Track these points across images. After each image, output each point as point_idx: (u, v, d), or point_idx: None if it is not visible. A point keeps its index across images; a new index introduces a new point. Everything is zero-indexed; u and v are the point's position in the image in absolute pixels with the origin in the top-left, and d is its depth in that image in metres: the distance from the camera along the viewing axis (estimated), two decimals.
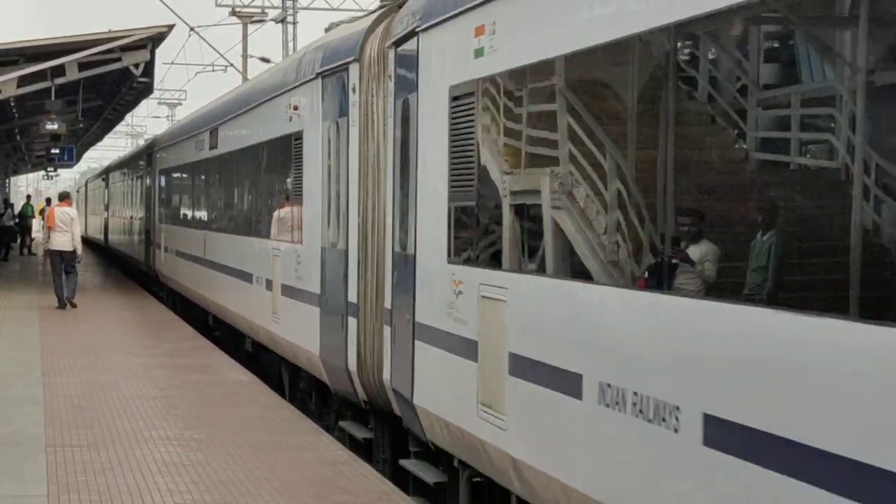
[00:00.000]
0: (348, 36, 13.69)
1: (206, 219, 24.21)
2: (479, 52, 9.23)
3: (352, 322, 12.84)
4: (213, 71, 61.25)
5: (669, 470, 6.30)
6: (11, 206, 52.35)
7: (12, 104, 32.25)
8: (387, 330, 11.68)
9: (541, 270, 8.10)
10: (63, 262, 25.80)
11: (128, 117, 64.36)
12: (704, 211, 6.32)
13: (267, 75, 19.69)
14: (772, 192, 5.68)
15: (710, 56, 6.20)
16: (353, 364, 12.74)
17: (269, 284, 17.01)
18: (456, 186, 9.77)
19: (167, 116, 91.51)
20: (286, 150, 16.22)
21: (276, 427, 13.06)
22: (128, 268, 41.89)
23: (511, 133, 8.67)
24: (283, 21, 43.95)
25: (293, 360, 15.91)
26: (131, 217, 40.40)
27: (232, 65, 47.33)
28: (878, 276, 4.86)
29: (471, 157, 9.41)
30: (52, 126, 31.44)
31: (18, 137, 47.73)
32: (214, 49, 43.92)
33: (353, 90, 13.02)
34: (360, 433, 13.19)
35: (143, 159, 37.19)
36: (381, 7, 13.82)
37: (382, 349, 11.88)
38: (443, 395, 10.03)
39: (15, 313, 24.98)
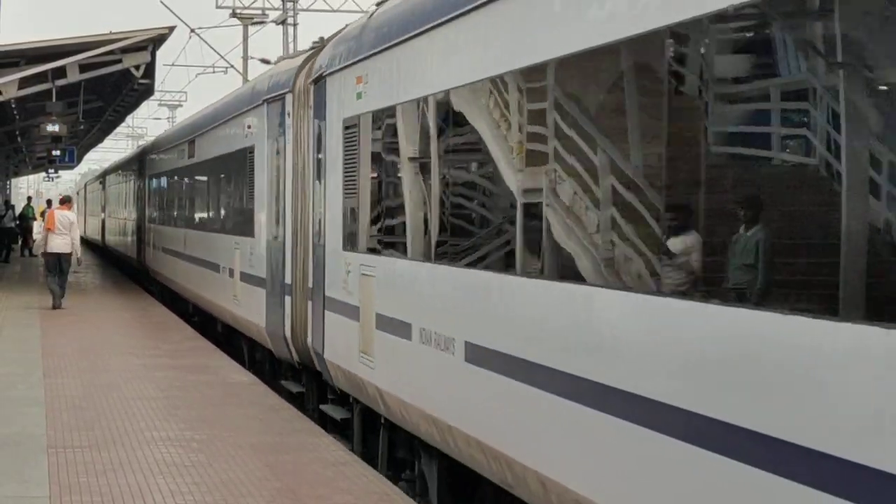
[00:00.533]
0: (286, 71, 17.18)
1: (184, 219, 27.47)
2: (359, 95, 12.63)
3: (287, 299, 16.13)
4: (214, 72, 61.25)
5: (452, 377, 9.70)
6: (12, 207, 52.38)
7: (13, 106, 32.28)
8: (309, 304, 14.98)
9: (392, 254, 11.44)
10: (59, 265, 26.07)
11: (128, 119, 64.35)
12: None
13: (232, 97, 22.85)
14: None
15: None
16: (288, 332, 16.15)
17: (231, 273, 20.54)
18: (347, 192, 13.04)
19: (168, 118, 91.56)
20: (243, 161, 19.67)
21: (277, 428, 13.08)
22: (123, 265, 45.45)
23: (376, 154, 11.99)
24: (283, 23, 43.96)
25: (248, 335, 19.57)
26: (125, 218, 43.88)
27: (232, 66, 47.36)
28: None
29: (355, 170, 12.76)
30: (52, 128, 31.46)
31: (19, 139, 47.75)
32: (215, 51, 43.97)
33: (288, 115, 16.45)
34: (295, 388, 16.61)
35: (136, 165, 40.68)
36: (310, 48, 17.46)
37: (307, 319, 15.15)
38: (340, 349, 13.27)
39: (16, 314, 25.00)
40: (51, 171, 75.81)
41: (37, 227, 55.60)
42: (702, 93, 6.05)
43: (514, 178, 8.47)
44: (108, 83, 31.27)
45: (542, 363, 7.92)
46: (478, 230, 9.31)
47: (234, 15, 45.44)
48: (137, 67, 26.92)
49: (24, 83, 26.17)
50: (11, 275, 39.04)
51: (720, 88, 5.92)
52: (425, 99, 10.39)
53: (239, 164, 20.16)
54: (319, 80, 14.51)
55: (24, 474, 10.65)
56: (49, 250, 26.20)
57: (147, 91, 34.68)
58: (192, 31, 43.72)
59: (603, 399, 7.00)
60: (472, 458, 9.42)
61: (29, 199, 61.82)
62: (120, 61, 26.65)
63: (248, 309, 18.82)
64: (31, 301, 28.03)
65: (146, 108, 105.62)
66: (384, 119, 11.67)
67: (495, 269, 8.82)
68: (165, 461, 11.27)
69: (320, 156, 14.40)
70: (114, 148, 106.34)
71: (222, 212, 22.12)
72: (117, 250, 47.56)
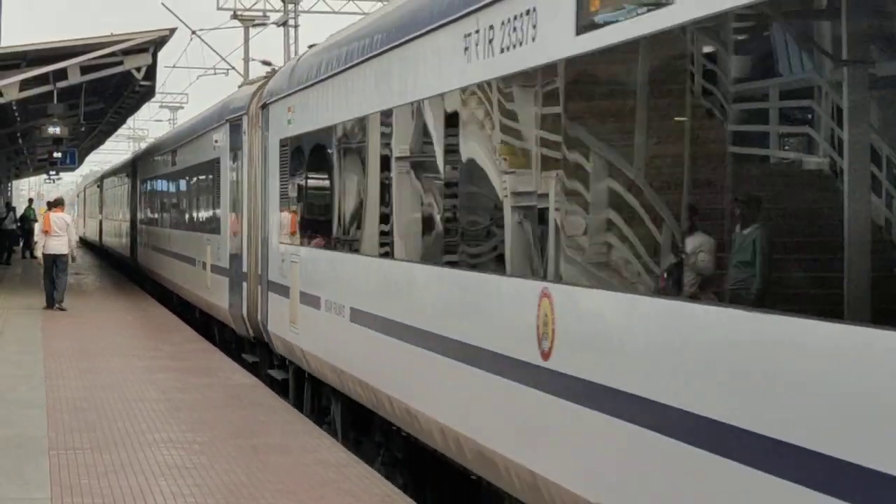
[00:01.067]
0: (244, 96, 20.74)
1: (168, 220, 31.10)
2: (289, 121, 16.19)
3: (244, 285, 19.41)
4: (215, 74, 61.29)
5: (345, 334, 13.03)
6: (13, 209, 52.39)
7: (14, 108, 32.28)
8: (260, 288, 18.21)
9: (309, 245, 15.01)
10: (56, 266, 26.37)
11: (130, 121, 64.37)
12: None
13: (204, 115, 26.36)
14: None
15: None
16: (245, 312, 19.35)
17: (204, 265, 23.98)
18: (282, 197, 16.51)
19: (169, 120, 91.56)
20: (212, 170, 23.32)
21: (278, 430, 13.08)
22: (119, 264, 48.88)
23: (298, 168, 15.64)
24: (284, 24, 43.97)
25: (217, 317, 22.87)
26: (120, 219, 47.72)
27: (234, 68, 47.42)
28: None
29: (286, 180, 16.28)
30: (54, 129, 31.48)
31: (20, 141, 47.75)
32: (216, 52, 43.97)
33: (244, 133, 19.81)
34: (251, 359, 19.94)
35: (129, 170, 44.70)
36: (264, 76, 21.85)
37: (258, 300, 18.32)
38: (278, 322, 16.70)
39: (17, 316, 25.00)
40: (52, 172, 75.83)
41: (37, 229, 55.73)
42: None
43: (376, 189, 11.96)
44: (109, 85, 31.27)
45: (395, 319, 11.23)
46: (354, 227, 13.01)
47: (235, 17, 45.47)
48: (139, 69, 26.92)
49: (25, 85, 26.17)
50: (12, 276, 39.05)
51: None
52: (327, 128, 14.07)
53: (209, 173, 23.89)
54: (265, 106, 18.03)
55: (26, 476, 10.65)
56: (46, 252, 26.61)
57: (148, 93, 34.71)
58: (194, 32, 43.78)
59: (433, 343, 10.16)
60: (360, 395, 12.76)
61: (31, 200, 61.83)
62: (121, 63, 26.64)
63: (216, 295, 22.16)
64: (33, 303, 28.02)
65: (147, 110, 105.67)
66: (304, 141, 15.33)
67: (367, 254, 12.27)
68: (167, 463, 11.27)
69: (265, 168, 18.00)
70: (115, 150, 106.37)
71: (197, 213, 25.74)
72: (114, 249, 50.95)
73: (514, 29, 8.41)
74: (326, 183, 14.11)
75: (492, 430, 8.83)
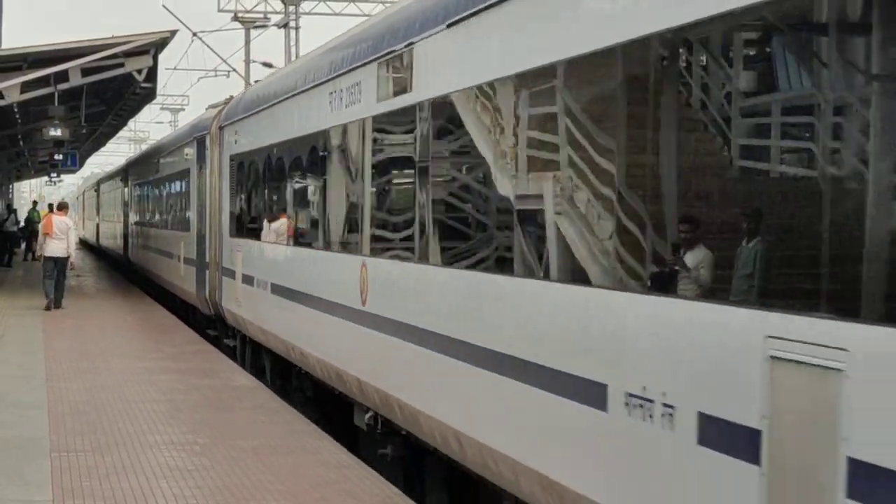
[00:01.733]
0: (209, 117, 24.81)
1: (153, 220, 35.44)
2: (236, 142, 20.72)
3: (207, 273, 23.54)
4: (216, 76, 61.34)
5: (268, 303, 17.34)
6: (14, 211, 52.39)
7: (15, 110, 32.27)
8: (217, 274, 22.42)
9: (246, 238, 19.42)
10: (56, 268, 26.87)
11: (131, 123, 64.42)
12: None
13: (180, 131, 32.18)
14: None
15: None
16: (207, 294, 23.50)
17: (179, 258, 28.04)
18: (231, 201, 21.02)
19: (170, 122, 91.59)
20: (185, 178, 27.54)
21: (279, 431, 13.08)
22: (113, 261, 53.46)
23: (242, 179, 20.00)
24: (285, 26, 43.98)
25: (189, 301, 26.65)
26: (115, 221, 52.38)
27: (234, 70, 47.41)
28: None
29: (233, 188, 20.76)
30: (55, 132, 31.46)
31: (21, 143, 47.74)
32: (217, 54, 44.05)
33: (207, 149, 23.92)
34: (213, 332, 23.88)
35: (122, 176, 49.22)
36: (226, 101, 25.04)
37: (216, 284, 22.49)
38: (228, 299, 21.15)
39: (19, 318, 25.01)
40: (53, 175, 75.81)
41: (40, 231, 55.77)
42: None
43: (285, 196, 16.69)
44: (110, 87, 31.26)
45: (293, 288, 15.85)
46: (256, 227, 18.66)
47: (236, 18, 45.47)
48: (140, 71, 26.91)
49: (26, 87, 26.16)
50: (13, 278, 39.06)
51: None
52: (257, 149, 18.60)
53: (183, 181, 28.09)
54: (222, 129, 22.52)
55: (27, 478, 10.65)
56: (47, 254, 27.00)
57: (149, 95, 34.69)
58: (195, 34, 43.77)
59: (311, 302, 14.81)
60: (282, 350, 16.87)
61: (35, 203, 61.94)
62: (122, 65, 26.63)
63: (188, 283, 26.17)
64: (33, 304, 28.03)
65: (148, 112, 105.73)
66: (244, 158, 19.85)
67: (278, 243, 17.10)
68: (168, 465, 11.27)
69: (220, 178, 22.54)
70: (116, 152, 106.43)
71: (174, 215, 30.01)
72: (109, 249, 55.36)
73: (352, 93, 13.08)
74: (256, 190, 19.04)
75: (339, 355, 13.54)
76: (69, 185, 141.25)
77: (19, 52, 25.69)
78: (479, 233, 9.61)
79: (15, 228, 49.63)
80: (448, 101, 10.08)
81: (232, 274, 20.67)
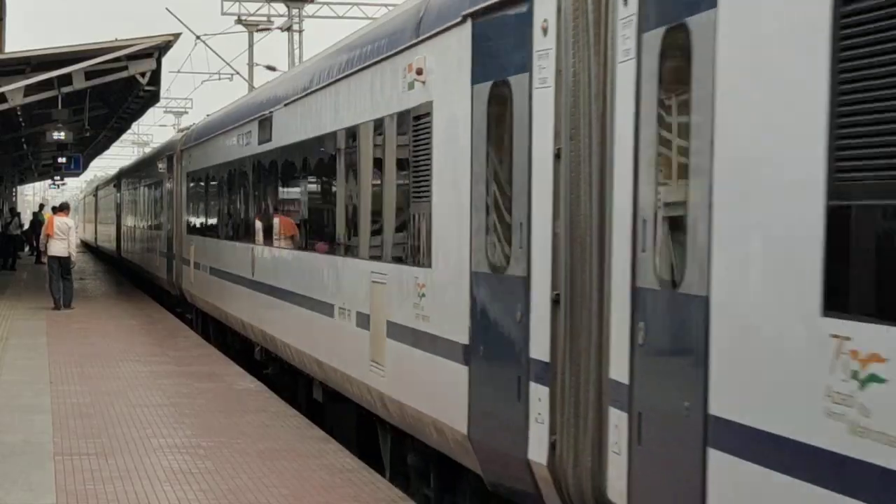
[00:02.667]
0: (177, 139, 31.20)
1: (139, 222, 40.68)
2: (189, 162, 27.25)
3: (174, 262, 29.36)
4: (220, 79, 61.38)
5: (207, 282, 24.17)
6: (18, 214, 52.43)
7: (19, 113, 32.27)
8: (182, 263, 27.97)
9: (194, 234, 26.29)
10: (60, 268, 27.81)
11: (134, 126, 64.42)
12: None
13: (160, 146, 37.97)
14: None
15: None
16: (174, 279, 29.36)
17: (158, 252, 33.52)
18: (187, 207, 27.48)
19: (173, 125, 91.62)
20: (161, 187, 32.76)
21: (283, 435, 13.06)
22: (111, 260, 57.70)
23: (194, 191, 26.46)
24: (288, 30, 43.99)
25: (163, 286, 32.59)
26: (110, 223, 57.39)
27: (238, 73, 47.41)
28: None
29: (189, 198, 27.38)
30: (58, 135, 31.48)
31: (25, 146, 47.76)
32: (220, 57, 43.94)
33: (172, 168, 30.10)
34: (179, 310, 29.60)
35: (115, 182, 54.59)
36: (189, 127, 31.70)
37: (180, 270, 28.12)
38: (186, 281, 27.08)
39: (23, 322, 25.01)
40: (56, 178, 75.85)
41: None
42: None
43: (217, 201, 22.74)
44: (113, 90, 31.27)
45: (220, 268, 22.14)
46: (210, 223, 23.89)
47: (239, 22, 45.51)
48: (143, 74, 26.90)
49: (29, 91, 26.16)
50: (17, 281, 39.07)
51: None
52: (203, 169, 24.90)
53: (160, 189, 33.26)
54: (183, 151, 28.39)
55: (31, 482, 10.63)
56: (50, 254, 27.97)
57: (153, 98, 34.69)
58: (198, 38, 43.77)
59: (231, 278, 20.97)
60: (216, 314, 23.09)
61: (41, 206, 62.10)
62: (126, 68, 26.62)
63: (161, 271, 32.24)
64: (37, 308, 28.05)
65: (152, 115, 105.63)
66: (195, 175, 26.29)
67: (214, 237, 23.06)
68: (172, 468, 11.25)
69: (181, 189, 28.64)
70: (119, 155, 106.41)
71: (153, 217, 35.36)
72: (105, 248, 61.34)
73: (246, 136, 19.17)
74: (202, 199, 25.24)
75: (241, 313, 19.97)
76: (73, 188, 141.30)
77: (23, 55, 25.69)
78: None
79: (18, 231, 49.64)
80: (286, 148, 16.55)
81: (188, 262, 27.01)
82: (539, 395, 8.20)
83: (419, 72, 10.58)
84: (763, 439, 5.52)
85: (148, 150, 68.97)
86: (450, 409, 9.63)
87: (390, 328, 11.46)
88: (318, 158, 14.79)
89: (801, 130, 5.25)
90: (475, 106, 9.26)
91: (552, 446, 8.03)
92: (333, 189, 13.90)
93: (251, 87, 41.41)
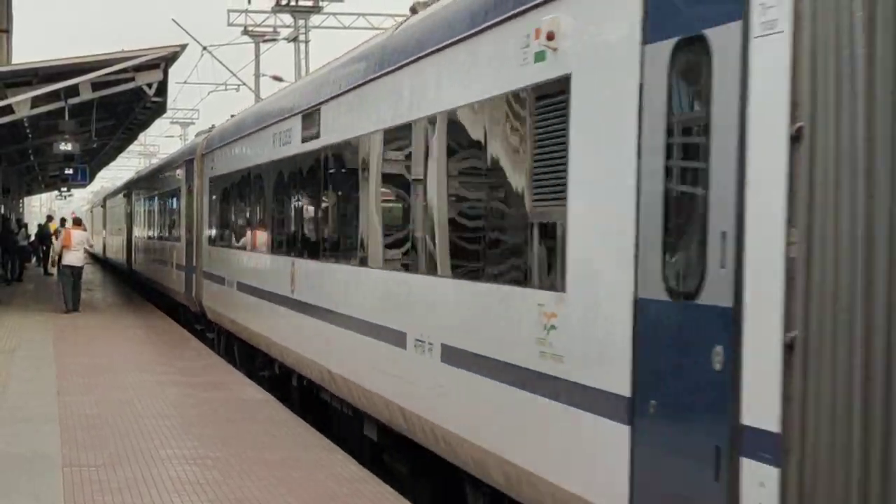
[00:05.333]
0: (196, 143, 28.99)
1: (152, 231, 39.68)
2: (212, 168, 25.10)
3: (193, 276, 27.58)
4: (226, 90, 61.44)
5: (228, 295, 22.69)
6: (25, 226, 52.51)
7: (26, 124, 32.34)
8: (202, 279, 26.22)
9: (212, 244, 24.91)
10: (73, 276, 30.51)
11: (141, 136, 64.53)
12: None
13: (176, 153, 36.41)
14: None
15: None
16: (193, 295, 27.45)
17: (173, 265, 31.94)
18: (207, 216, 25.71)
19: (180, 136, 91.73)
20: (177, 195, 31.32)
21: (290, 444, 13.06)
22: (114, 268, 59.40)
23: (215, 199, 24.60)
24: (294, 40, 44.04)
25: (179, 301, 30.97)
26: (119, 234, 56.78)
27: (244, 84, 47.47)
28: None
29: (210, 205, 25.56)
30: (65, 146, 31.51)
31: (32, 157, 47.85)
32: (227, 68, 44.10)
33: (194, 172, 27.72)
34: (199, 326, 27.64)
35: (126, 192, 53.89)
36: (208, 130, 29.62)
37: (202, 287, 26.36)
38: (206, 297, 25.61)
39: (30, 332, 25.04)
40: (63, 189, 75.96)
41: (57, 244, 56.05)
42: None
43: (231, 210, 22.32)
44: (120, 101, 31.31)
45: (240, 280, 21.03)
46: (227, 233, 22.99)
47: (245, 32, 45.57)
48: (150, 85, 26.95)
49: (36, 102, 26.22)
50: (24, 292, 39.10)
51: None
52: (230, 173, 22.56)
53: (175, 198, 32.05)
54: (204, 155, 26.59)
55: (39, 493, 10.64)
56: (65, 263, 30.50)
57: (160, 109, 34.74)
58: (205, 48, 43.84)
59: (254, 293, 19.29)
60: (243, 332, 21.01)
61: (49, 217, 62.32)
62: (132, 79, 26.67)
63: (178, 286, 30.50)
64: (45, 319, 28.09)
65: (158, 126, 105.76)
66: (220, 180, 23.93)
67: (227, 247, 22.72)
68: (180, 479, 11.26)
69: (202, 197, 26.68)
70: (126, 166, 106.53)
71: (169, 226, 33.74)
72: (112, 259, 61.00)
73: (288, 134, 17.11)
74: (229, 207, 22.93)
75: (271, 331, 18.04)
76: (79, 199, 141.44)
77: (30, 66, 25.75)
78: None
79: (26, 243, 49.70)
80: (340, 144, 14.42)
81: (211, 276, 25.48)
82: (759, 476, 5.80)
83: (550, 36, 8.12)
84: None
85: (155, 160, 69.05)
86: (598, 482, 7.37)
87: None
88: (386, 156, 12.17)
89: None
90: (648, 75, 6.87)
91: None
92: (407, 192, 11.29)
93: (257, 98, 41.44)
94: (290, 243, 16.83)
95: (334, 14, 44.26)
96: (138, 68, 26.47)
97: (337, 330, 13.68)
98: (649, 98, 6.85)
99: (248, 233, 20.39)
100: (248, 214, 20.58)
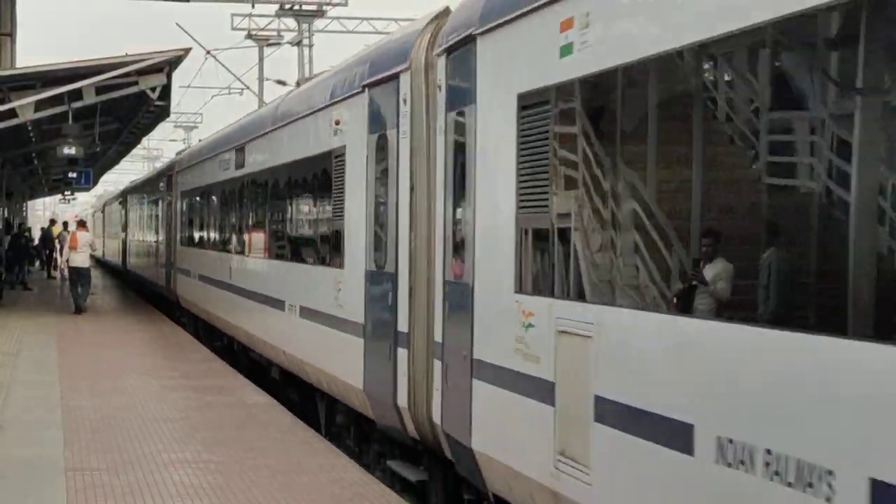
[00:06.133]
0: (171, 163, 35.20)
1: (144, 234, 43.33)
2: (182, 183, 31.52)
3: (171, 271, 31.95)
4: (230, 94, 61.39)
5: (196, 285, 28.35)
6: (28, 229, 52.53)
7: (29, 128, 32.32)
8: (177, 273, 30.35)
9: (200, 247, 27.73)
10: (79, 276, 31.87)
11: (144, 140, 64.51)
12: None
13: (158, 169, 41.19)
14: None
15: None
16: (171, 286, 32.16)
17: (160, 264, 36.29)
18: (180, 220, 32.01)
19: (183, 140, 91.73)
20: (162, 201, 35.98)
21: (294, 449, 13.06)
22: (111, 268, 63.42)
23: (188, 206, 30.64)
24: (298, 44, 44.04)
25: (162, 293, 35.47)
26: (116, 236, 60.79)
27: (248, 88, 47.45)
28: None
29: (182, 212, 31.76)
30: (69, 150, 31.51)
31: (35, 161, 47.83)
32: (231, 72, 44.07)
33: (173, 185, 32.49)
34: (179, 314, 31.61)
35: (121, 199, 58.75)
36: (178, 153, 37.31)
37: (176, 280, 31.18)
38: (179, 288, 31.22)
39: (34, 337, 25.04)
40: (67, 192, 75.95)
41: (65, 245, 56.11)
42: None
43: (200, 220, 27.25)
44: (124, 105, 31.30)
45: (206, 275, 25.67)
46: (193, 239, 27.97)
47: (249, 36, 45.56)
48: (153, 89, 26.93)
49: (40, 106, 26.21)
50: (27, 297, 39.11)
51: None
52: (193, 189, 27.40)
53: (161, 201, 36.52)
54: (178, 172, 31.92)
55: (43, 497, 10.64)
56: (71, 265, 31.92)
57: (163, 113, 34.73)
58: (208, 52, 43.85)
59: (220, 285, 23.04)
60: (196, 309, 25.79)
61: (52, 221, 62.34)
62: (136, 83, 26.66)
63: (161, 280, 34.95)
64: (49, 323, 28.10)
65: (162, 130, 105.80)
66: (187, 194, 28.88)
67: (198, 248, 27.13)
68: (183, 483, 11.26)
69: (177, 206, 31.59)
70: (130, 170, 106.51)
71: (155, 230, 38.07)
72: (111, 261, 64.33)
73: (228, 162, 22.70)
74: (196, 215, 28.04)
75: (218, 310, 23.00)
76: (82, 202, 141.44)
77: (34, 70, 25.75)
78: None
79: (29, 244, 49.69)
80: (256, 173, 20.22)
81: (185, 272, 29.53)
82: (402, 355, 11.64)
83: (338, 122, 14.46)
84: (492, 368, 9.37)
85: (159, 163, 70.07)
86: (352, 371, 13.29)
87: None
88: (273, 185, 19.01)
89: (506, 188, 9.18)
90: (369, 151, 12.86)
91: (409, 392, 11.50)
92: (283, 209, 18.01)
93: (261, 102, 41.47)
94: (227, 243, 23.37)
95: (338, 18, 44.27)
96: (142, 72, 26.46)
97: (251, 303, 19.75)
98: (371, 163, 12.74)
99: (204, 235, 26.86)
100: (204, 221, 26.96)
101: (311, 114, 15.97)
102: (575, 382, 7.89)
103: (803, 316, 5.85)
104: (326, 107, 14.96)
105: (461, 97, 10.25)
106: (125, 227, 54.07)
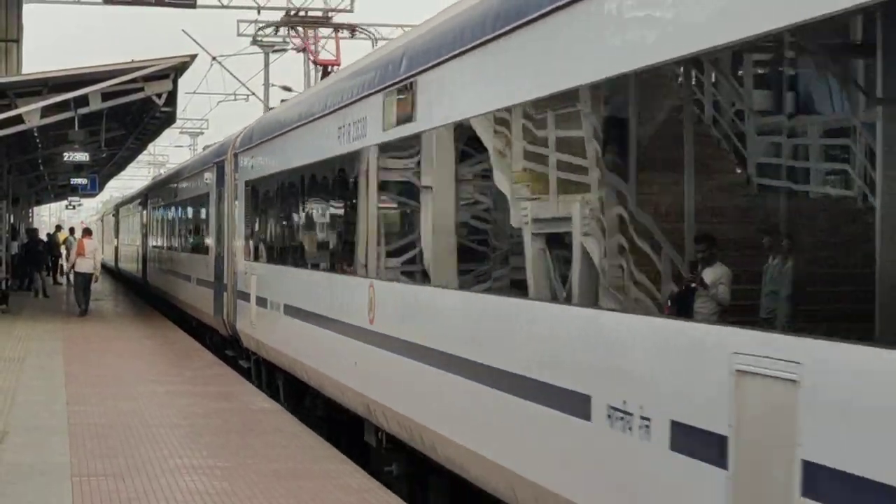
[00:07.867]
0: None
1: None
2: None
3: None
4: (236, 100, 61.47)
5: (173, 282, 35.38)
6: (42, 238, 52.59)
7: (36, 134, 32.40)
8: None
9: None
10: (84, 281, 33.15)
11: (150, 146, 64.61)
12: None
13: (137, 191, 51.28)
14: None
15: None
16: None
17: (138, 259, 45.93)
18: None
19: (189, 146, 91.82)
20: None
21: (300, 455, 13.06)
22: (131, 283, 57.35)
23: (153, 216, 42.34)
24: (303, 50, 44.06)
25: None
26: (134, 245, 57.07)
27: (254, 94, 47.53)
28: None
29: (152, 220, 43.59)
30: (75, 156, 31.59)
31: (42, 167, 47.93)
32: (236, 78, 44.16)
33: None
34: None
35: (142, 199, 53.51)
36: (145, 187, 48.06)
37: (145, 267, 44.37)
38: (152, 274, 42.45)
39: (40, 343, 25.06)
40: (73, 198, 76.07)
41: (71, 252, 56.30)
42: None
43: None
44: (130, 111, 31.39)
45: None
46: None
47: (254, 43, 45.58)
48: (159, 95, 27.00)
49: (46, 112, 26.28)
50: (33, 303, 39.14)
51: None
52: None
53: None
54: (147, 199, 41.90)
55: (48, 503, 10.63)
56: (77, 270, 33.33)
57: (169, 119, 34.81)
58: (214, 58, 43.92)
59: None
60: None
61: (58, 227, 62.47)
62: (142, 89, 26.73)
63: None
64: (55, 329, 28.11)
65: (168, 136, 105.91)
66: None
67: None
68: (189, 489, 11.26)
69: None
70: (136, 176, 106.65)
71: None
72: (128, 272, 60.17)
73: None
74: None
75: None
76: (88, 208, 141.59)
77: (40, 76, 25.81)
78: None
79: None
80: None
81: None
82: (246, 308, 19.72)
83: (235, 167, 22.57)
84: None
85: (164, 169, 69.57)
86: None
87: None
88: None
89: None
90: (239, 191, 22.04)
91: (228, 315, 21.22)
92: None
93: (266, 108, 41.50)
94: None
95: (342, 26, 44.27)
96: (148, 78, 26.53)
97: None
98: (239, 199, 21.47)
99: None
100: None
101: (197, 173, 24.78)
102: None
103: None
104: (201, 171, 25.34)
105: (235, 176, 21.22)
106: (146, 233, 46.29)
